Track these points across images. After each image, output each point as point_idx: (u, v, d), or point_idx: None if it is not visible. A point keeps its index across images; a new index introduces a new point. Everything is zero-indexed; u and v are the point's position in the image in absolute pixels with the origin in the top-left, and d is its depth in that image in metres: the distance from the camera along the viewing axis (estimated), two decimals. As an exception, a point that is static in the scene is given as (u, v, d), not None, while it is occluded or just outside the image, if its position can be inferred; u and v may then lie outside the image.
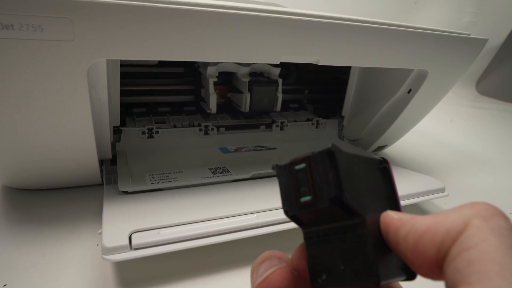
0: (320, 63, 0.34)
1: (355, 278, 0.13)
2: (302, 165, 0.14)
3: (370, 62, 0.37)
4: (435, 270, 0.12)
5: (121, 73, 0.38)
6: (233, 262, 0.31)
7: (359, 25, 0.33)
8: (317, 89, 0.60)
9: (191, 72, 0.52)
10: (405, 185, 0.39)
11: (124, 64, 0.43)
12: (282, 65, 0.46)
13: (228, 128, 0.50)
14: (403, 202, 0.34)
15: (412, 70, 0.43)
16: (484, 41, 0.41)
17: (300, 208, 0.14)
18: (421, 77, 0.43)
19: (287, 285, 0.15)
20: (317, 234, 0.15)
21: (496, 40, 1.19)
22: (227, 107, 0.52)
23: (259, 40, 0.30)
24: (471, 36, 0.40)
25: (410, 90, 0.45)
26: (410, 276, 0.14)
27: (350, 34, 0.33)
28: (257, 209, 0.32)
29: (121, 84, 0.39)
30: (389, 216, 0.14)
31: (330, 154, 0.13)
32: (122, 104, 0.41)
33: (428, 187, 0.39)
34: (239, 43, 0.30)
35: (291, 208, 0.14)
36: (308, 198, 0.14)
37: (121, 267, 0.29)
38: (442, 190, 0.40)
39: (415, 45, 0.37)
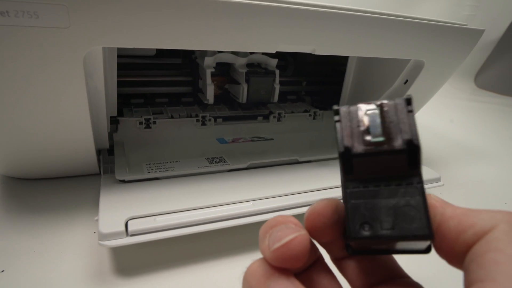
0: (317, 53, 0.34)
1: (404, 233, 0.13)
2: (375, 109, 0.14)
3: (366, 52, 0.37)
4: (449, 252, 0.13)
5: (118, 64, 0.38)
6: (228, 249, 0.31)
7: (356, 15, 0.33)
8: (315, 81, 0.60)
9: (188, 63, 0.52)
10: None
11: (121, 55, 0.43)
12: (280, 57, 0.46)
13: (226, 119, 0.50)
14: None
15: (409, 60, 0.44)
16: (481, 32, 0.41)
17: (366, 147, 0.14)
18: (418, 67, 0.43)
19: (305, 253, 0.14)
20: (364, 184, 0.15)
21: (495, 33, 1.18)
22: (224, 98, 0.52)
23: (255, 29, 0.30)
24: (467, 26, 0.40)
25: (407, 80, 0.45)
26: (427, 250, 0.15)
27: (346, 24, 0.33)
28: (252, 197, 0.33)
29: (119, 75, 0.39)
30: (428, 196, 0.15)
31: (408, 101, 0.14)
32: (120, 95, 0.41)
33: (423, 176, 0.40)
34: (235, 31, 0.30)
35: (356, 147, 0.14)
36: (380, 138, 0.14)
37: (117, 253, 0.30)
38: (438, 180, 0.40)
39: (411, 35, 0.37)
